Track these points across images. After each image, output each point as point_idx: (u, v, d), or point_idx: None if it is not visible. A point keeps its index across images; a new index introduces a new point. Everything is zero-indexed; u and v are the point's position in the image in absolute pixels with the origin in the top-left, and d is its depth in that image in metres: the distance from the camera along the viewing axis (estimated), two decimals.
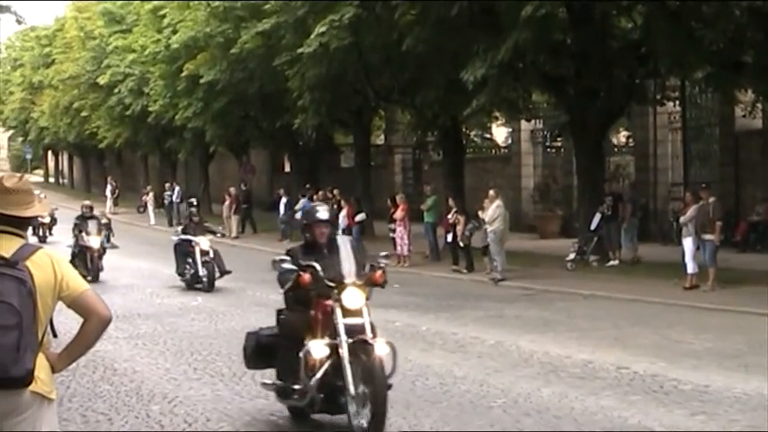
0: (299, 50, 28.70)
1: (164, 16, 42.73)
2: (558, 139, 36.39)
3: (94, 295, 5.06)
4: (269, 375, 9.91)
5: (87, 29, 59.43)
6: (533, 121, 36.69)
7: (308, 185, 37.38)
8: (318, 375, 8.75)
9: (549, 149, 38.41)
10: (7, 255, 4.83)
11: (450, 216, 26.31)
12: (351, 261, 9.18)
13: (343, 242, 9.58)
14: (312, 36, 27.77)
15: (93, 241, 24.94)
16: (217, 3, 36.23)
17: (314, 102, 32.48)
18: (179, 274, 23.37)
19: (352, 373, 8.58)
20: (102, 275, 24.79)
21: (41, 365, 4.87)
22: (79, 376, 11.86)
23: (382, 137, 50.16)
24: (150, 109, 46.46)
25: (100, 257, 25.07)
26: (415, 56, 26.88)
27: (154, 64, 44.80)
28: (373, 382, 8.49)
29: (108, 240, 29.10)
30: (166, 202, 50.40)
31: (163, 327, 16.85)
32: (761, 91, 24.50)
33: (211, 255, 22.83)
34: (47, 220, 37.07)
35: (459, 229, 25.60)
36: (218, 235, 25.62)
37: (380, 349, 8.65)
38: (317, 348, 8.82)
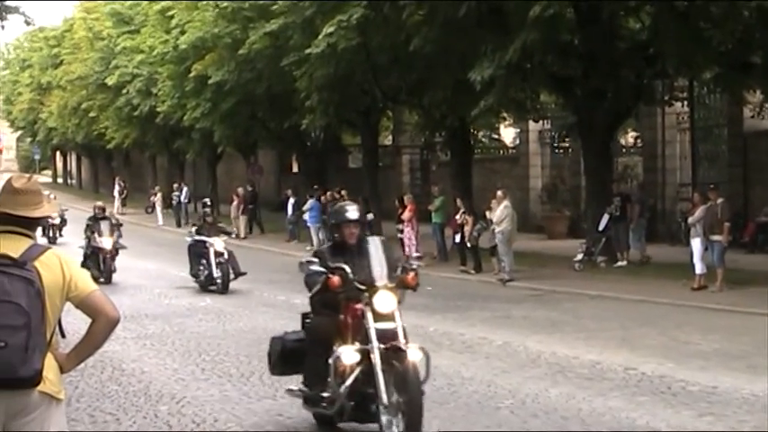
0: (307, 51, 28.72)
1: (172, 17, 42.75)
2: (566, 139, 36.39)
3: (103, 296, 5.07)
4: (285, 381, 9.84)
5: (96, 29, 59.49)
6: (541, 122, 36.62)
7: (315, 186, 37.40)
8: (348, 382, 8.43)
9: (556, 150, 38.37)
10: (16, 255, 4.85)
11: (457, 216, 26.29)
12: (382, 263, 8.84)
13: (374, 243, 9.13)
14: (320, 36, 27.78)
15: (106, 242, 24.53)
16: (225, 3, 36.27)
17: (322, 102, 32.51)
18: (193, 276, 23.05)
19: (385, 380, 8.24)
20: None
21: (50, 366, 4.89)
22: (87, 376, 11.88)
23: (390, 137, 50.15)
24: (158, 109, 46.54)
25: (113, 258, 24.67)
26: (423, 56, 26.87)
27: (162, 64, 44.88)
28: (407, 391, 8.14)
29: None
30: (174, 202, 50.44)
31: (171, 327, 16.88)
32: None
33: (226, 256, 22.43)
34: (57, 221, 37.05)
35: (466, 229, 25.58)
36: (233, 236, 25.48)
37: (414, 356, 8.32)
38: (348, 354, 8.49)
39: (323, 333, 8.87)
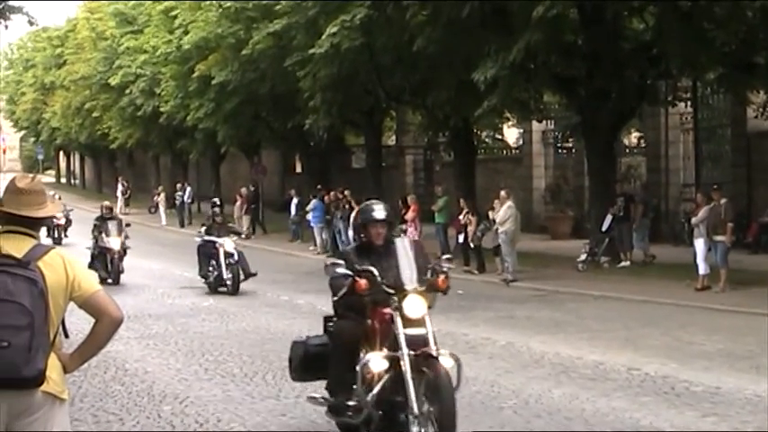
0: (311, 51, 28.73)
1: (175, 17, 42.81)
2: (570, 139, 36.36)
3: (106, 296, 5.07)
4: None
5: (99, 30, 59.53)
6: (545, 122, 36.63)
7: (319, 186, 37.40)
8: (376, 390, 8.02)
9: (560, 150, 38.38)
10: (19, 255, 4.85)
11: (461, 217, 26.29)
12: (411, 265, 8.40)
13: (403, 244, 8.73)
14: (323, 37, 27.78)
15: (114, 242, 24.10)
16: (228, 3, 36.27)
17: (325, 102, 32.50)
18: (202, 277, 22.69)
19: (415, 389, 7.80)
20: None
21: (53, 366, 4.89)
22: (90, 376, 11.88)
23: (393, 138, 50.14)
24: (162, 109, 46.60)
25: (121, 259, 24.23)
26: (427, 56, 26.87)
27: (165, 65, 44.89)
28: (440, 401, 7.68)
29: None
30: (177, 202, 50.49)
31: (174, 327, 16.88)
32: None
33: (236, 257, 22.06)
34: (62, 221, 36.88)
35: (470, 229, 25.57)
36: (243, 236, 25.29)
37: (445, 363, 7.86)
38: (376, 361, 8.06)
39: (348, 338, 8.49)
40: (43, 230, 5.42)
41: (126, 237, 24.75)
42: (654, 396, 10.62)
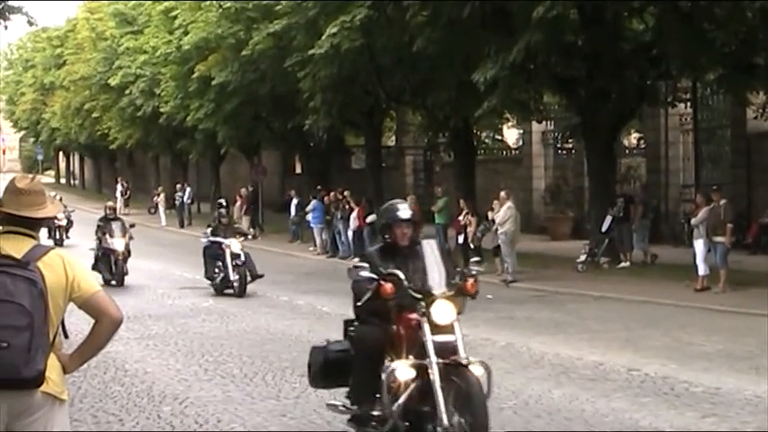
0: (311, 51, 28.75)
1: (175, 17, 42.82)
2: (570, 140, 36.33)
3: (106, 296, 5.07)
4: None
5: (99, 30, 59.54)
6: (544, 123, 36.61)
7: (319, 187, 37.40)
8: (402, 400, 7.68)
9: (560, 151, 38.36)
10: (19, 256, 4.85)
11: (461, 217, 26.29)
12: (440, 268, 8.05)
13: (430, 246, 8.34)
14: (323, 37, 27.79)
15: (118, 244, 23.69)
16: (228, 4, 36.30)
17: (325, 103, 32.51)
18: (208, 279, 22.28)
19: (444, 399, 7.45)
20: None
21: (53, 366, 4.89)
22: (90, 377, 11.87)
23: (393, 138, 50.16)
24: (161, 110, 46.60)
25: (125, 260, 23.79)
26: (427, 57, 26.88)
27: (165, 65, 44.91)
28: (472, 412, 7.37)
29: None
30: (177, 203, 50.45)
31: (174, 328, 16.88)
32: None
33: (243, 258, 21.64)
34: (63, 222, 36.71)
35: (470, 230, 25.58)
36: (249, 237, 25.11)
37: (476, 372, 7.52)
38: (403, 370, 7.71)
39: (372, 344, 8.07)
40: (44, 232, 5.41)
41: (130, 238, 24.53)
42: (654, 397, 10.62)
